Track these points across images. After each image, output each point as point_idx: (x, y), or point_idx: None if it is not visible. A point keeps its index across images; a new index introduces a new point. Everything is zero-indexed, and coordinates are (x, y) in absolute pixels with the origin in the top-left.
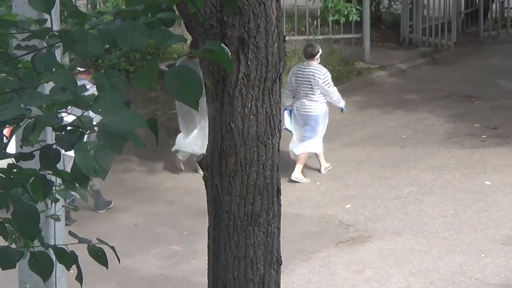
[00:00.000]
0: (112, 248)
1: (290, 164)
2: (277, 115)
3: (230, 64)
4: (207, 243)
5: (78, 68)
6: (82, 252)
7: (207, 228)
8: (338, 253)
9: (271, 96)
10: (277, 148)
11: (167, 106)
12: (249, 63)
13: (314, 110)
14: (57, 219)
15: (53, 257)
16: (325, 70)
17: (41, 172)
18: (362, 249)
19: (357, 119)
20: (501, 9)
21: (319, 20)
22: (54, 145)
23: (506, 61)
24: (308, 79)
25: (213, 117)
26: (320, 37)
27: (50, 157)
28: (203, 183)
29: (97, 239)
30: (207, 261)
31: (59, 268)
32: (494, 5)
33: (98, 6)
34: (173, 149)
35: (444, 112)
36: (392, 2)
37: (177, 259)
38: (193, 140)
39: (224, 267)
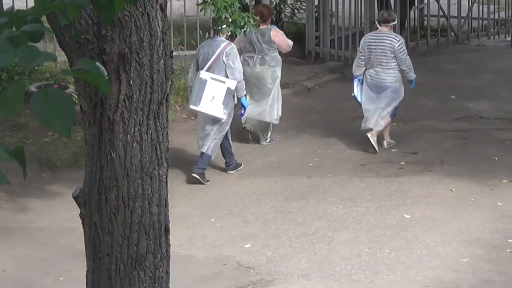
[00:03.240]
0: None
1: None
2: (164, 142)
3: (107, 86)
4: None
5: (215, 28)
6: None
7: (85, 274)
8: None
9: (157, 120)
10: (165, 180)
11: (38, 133)
12: (131, 82)
13: (390, 79)
14: None
15: None
16: (400, 36)
17: None
18: None
19: (257, 146)
20: (420, 17)
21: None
22: None
23: (427, 76)
24: (383, 47)
25: (90, 145)
26: None
27: None
28: (81, 221)
29: None
30: None
31: None
32: (412, 13)
33: None
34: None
35: (357, 136)
36: (296, 10)
37: None
38: (261, 107)
39: None
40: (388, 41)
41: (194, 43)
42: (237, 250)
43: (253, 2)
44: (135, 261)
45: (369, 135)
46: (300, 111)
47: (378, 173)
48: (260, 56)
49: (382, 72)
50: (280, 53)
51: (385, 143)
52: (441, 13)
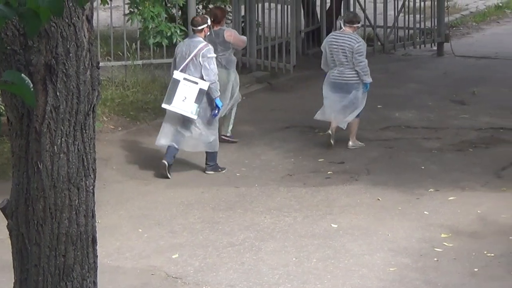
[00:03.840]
0: None
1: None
2: (91, 152)
3: (32, 98)
4: None
5: (193, 28)
6: None
7: (13, 285)
8: None
9: (84, 131)
10: (92, 191)
11: None
12: (58, 93)
13: (354, 78)
14: None
15: None
16: (360, 39)
17: None
18: None
19: (184, 156)
20: None
21: (138, 43)
22: None
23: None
24: (343, 47)
25: (17, 156)
26: (140, 62)
27: None
28: (8, 233)
29: None
30: None
31: None
32: (338, 23)
33: None
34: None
35: (284, 146)
36: None
37: None
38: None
39: None
40: (348, 42)
41: (121, 54)
42: (164, 261)
43: (180, 12)
44: (63, 272)
45: (330, 131)
46: None
47: (305, 183)
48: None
49: (346, 71)
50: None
51: (350, 143)
52: (367, 23)
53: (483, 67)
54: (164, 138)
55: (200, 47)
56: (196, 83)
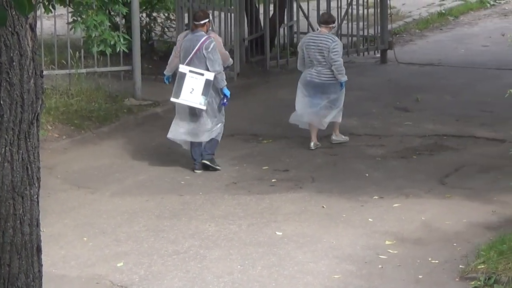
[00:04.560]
0: None
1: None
2: (35, 161)
3: None
4: None
5: (195, 22)
6: None
7: None
8: None
9: (28, 140)
10: (36, 200)
11: None
12: (1, 102)
13: (331, 78)
14: None
15: None
16: (336, 38)
17: None
18: None
19: (128, 164)
20: (290, 34)
21: (82, 51)
22: None
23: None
24: (320, 47)
25: None
26: (84, 70)
27: None
28: None
29: None
30: None
31: None
32: (282, 30)
33: None
34: None
35: (228, 154)
36: (166, 29)
37: None
38: None
39: None
40: (325, 41)
41: (65, 62)
42: (110, 269)
43: (123, 20)
44: (8, 281)
45: (312, 143)
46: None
47: (250, 191)
48: None
49: (324, 71)
50: None
51: (333, 137)
52: (311, 30)
53: (427, 74)
54: (173, 132)
55: (202, 40)
56: (202, 74)
